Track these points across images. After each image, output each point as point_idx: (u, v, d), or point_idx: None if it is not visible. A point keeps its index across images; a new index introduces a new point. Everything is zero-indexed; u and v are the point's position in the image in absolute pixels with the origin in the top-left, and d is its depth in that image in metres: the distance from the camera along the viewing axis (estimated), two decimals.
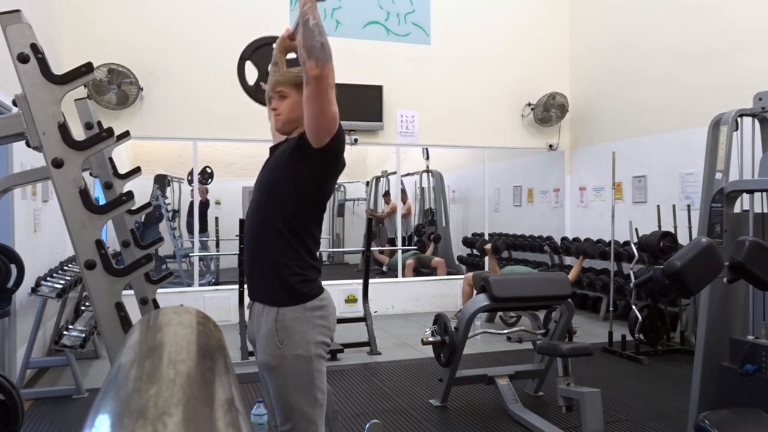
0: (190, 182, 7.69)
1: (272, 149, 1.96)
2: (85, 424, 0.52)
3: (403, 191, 9.18)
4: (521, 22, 7.38)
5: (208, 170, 8.28)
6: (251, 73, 2.51)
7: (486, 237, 7.52)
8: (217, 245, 8.64)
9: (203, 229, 8.23)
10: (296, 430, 1.74)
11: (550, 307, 4.13)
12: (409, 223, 9.32)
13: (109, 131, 1.88)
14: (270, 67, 2.17)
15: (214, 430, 0.49)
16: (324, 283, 1.88)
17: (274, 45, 2.17)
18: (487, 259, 6.02)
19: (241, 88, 2.52)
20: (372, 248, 5.45)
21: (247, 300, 5.03)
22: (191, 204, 7.67)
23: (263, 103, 2.37)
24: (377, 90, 6.72)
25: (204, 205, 8.41)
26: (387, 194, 9.31)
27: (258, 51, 2.47)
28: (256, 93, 2.48)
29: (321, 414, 1.78)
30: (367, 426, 3.00)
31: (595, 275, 6.40)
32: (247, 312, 2.00)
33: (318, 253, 1.87)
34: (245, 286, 5.04)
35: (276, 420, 1.82)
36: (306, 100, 1.67)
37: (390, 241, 9.25)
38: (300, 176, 1.76)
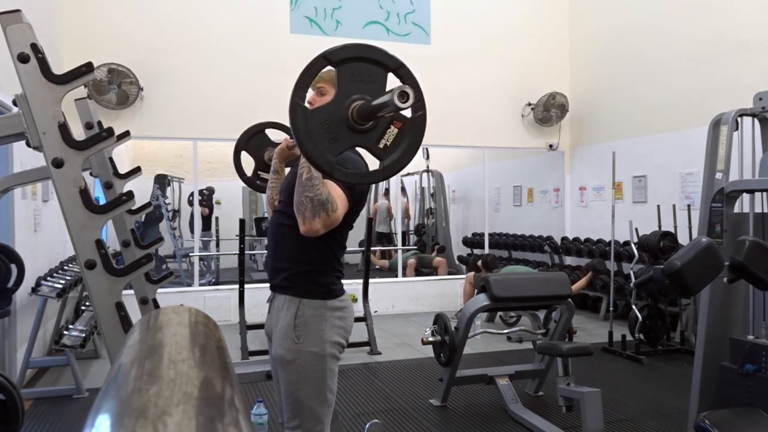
0: (191, 203, 7.76)
1: None
2: (85, 424, 0.52)
3: (403, 189, 9.21)
4: (521, 22, 7.38)
5: (206, 192, 8.31)
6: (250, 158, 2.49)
7: (486, 238, 7.52)
8: (218, 245, 8.64)
9: (206, 227, 8.24)
10: (303, 427, 1.75)
11: (550, 306, 4.13)
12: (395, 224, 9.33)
13: (110, 131, 1.88)
14: (271, 174, 2.16)
15: (214, 430, 0.49)
16: None
17: (274, 155, 2.14)
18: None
19: (238, 176, 2.52)
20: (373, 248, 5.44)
21: (248, 299, 5.05)
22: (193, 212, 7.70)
23: (263, 191, 2.37)
24: None
25: (208, 218, 8.46)
26: (387, 193, 9.34)
27: (252, 140, 2.46)
28: (254, 183, 2.49)
29: (328, 414, 1.79)
30: (367, 426, 3.00)
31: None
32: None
33: (342, 257, 1.90)
34: (245, 285, 5.06)
35: (282, 416, 1.82)
36: None
37: (384, 239, 9.21)
38: None
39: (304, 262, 1.80)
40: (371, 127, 1.44)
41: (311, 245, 1.79)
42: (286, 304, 1.79)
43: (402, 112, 1.45)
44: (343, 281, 1.91)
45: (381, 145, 1.46)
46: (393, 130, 1.46)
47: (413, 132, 1.47)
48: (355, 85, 1.42)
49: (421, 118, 1.47)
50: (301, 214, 1.65)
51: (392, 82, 1.39)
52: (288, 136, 2.13)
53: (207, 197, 8.38)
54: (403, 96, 1.27)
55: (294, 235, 1.80)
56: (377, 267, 8.16)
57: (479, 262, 5.97)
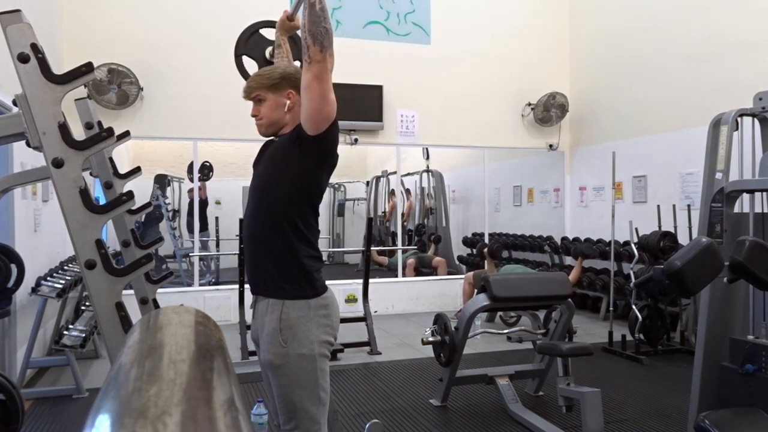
0: (190, 178, 7.68)
1: (263, 147, 1.97)
2: (85, 424, 0.52)
3: (408, 191, 9.23)
4: (521, 22, 7.38)
5: (207, 164, 8.25)
6: (251, 66, 2.49)
7: (486, 238, 7.53)
8: (217, 245, 8.64)
9: (203, 228, 8.22)
10: (299, 429, 1.74)
11: (550, 306, 4.13)
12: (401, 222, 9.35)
13: (109, 131, 1.88)
14: (273, 50, 2.17)
15: (214, 430, 0.49)
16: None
17: (275, 27, 2.18)
18: (486, 262, 6.04)
19: (243, 79, 2.51)
20: (372, 248, 5.44)
21: (248, 300, 5.04)
22: (191, 203, 7.68)
23: None
24: (377, 90, 6.72)
25: (203, 204, 8.41)
26: (393, 193, 9.37)
27: (249, 42, 2.47)
28: None
29: (324, 413, 1.79)
30: (367, 426, 3.00)
31: (595, 275, 6.40)
32: (249, 312, 1.99)
33: (317, 243, 1.87)
34: (245, 285, 5.05)
35: (278, 419, 1.82)
36: (307, 84, 1.67)
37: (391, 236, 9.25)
38: (295, 169, 1.77)
39: (282, 258, 1.77)
40: None
41: (285, 239, 1.77)
42: (270, 308, 1.77)
43: None
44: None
45: None
46: None
47: None
48: None
49: None
50: (320, 42, 1.62)
51: None
52: (287, 9, 2.12)
53: (208, 168, 8.26)
54: None
55: (267, 234, 1.79)
56: (377, 265, 8.16)
57: (485, 250, 5.99)
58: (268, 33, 2.46)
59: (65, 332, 4.08)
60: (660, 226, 5.33)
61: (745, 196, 2.92)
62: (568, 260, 7.22)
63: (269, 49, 2.29)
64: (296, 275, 1.77)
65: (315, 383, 1.75)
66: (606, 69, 6.95)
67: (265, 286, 1.81)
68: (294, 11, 2.04)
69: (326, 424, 1.81)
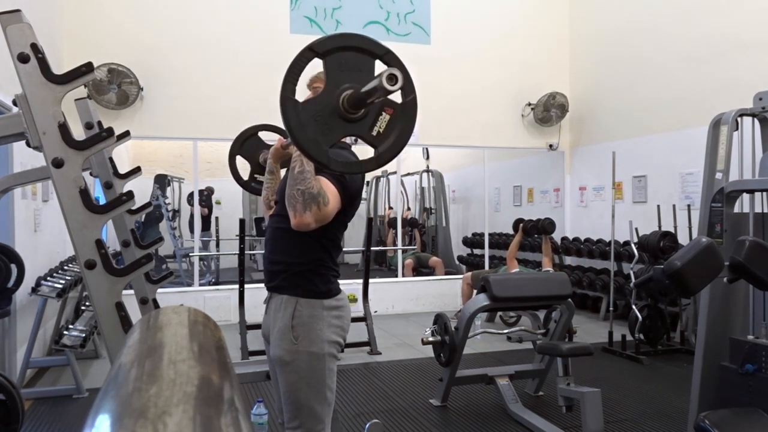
0: (190, 203, 7.82)
1: None
2: (85, 424, 0.52)
3: (408, 208, 9.35)
4: (521, 22, 7.38)
5: (205, 192, 8.34)
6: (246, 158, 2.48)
7: (486, 239, 7.53)
8: (218, 245, 8.64)
9: (206, 227, 8.26)
10: (304, 427, 1.75)
11: (550, 306, 4.13)
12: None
13: (110, 131, 1.88)
14: (266, 175, 2.15)
15: (214, 430, 0.49)
16: None
17: (269, 155, 2.13)
18: (517, 236, 6.00)
19: (235, 180, 2.52)
20: (374, 248, 5.44)
21: (248, 299, 5.05)
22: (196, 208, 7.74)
23: (260, 194, 2.35)
24: None
25: (210, 209, 8.49)
26: (391, 208, 9.48)
27: (246, 144, 2.46)
28: (251, 186, 2.49)
29: (329, 413, 1.80)
30: (367, 426, 3.00)
31: (595, 275, 6.40)
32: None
33: (337, 258, 1.89)
34: (245, 285, 5.06)
35: (282, 417, 1.83)
36: None
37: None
38: None
39: (300, 263, 1.80)
40: (363, 116, 1.43)
41: (307, 247, 1.79)
42: (284, 305, 1.79)
43: (392, 98, 1.45)
44: (344, 281, 1.91)
45: (374, 133, 1.46)
46: (385, 117, 1.46)
47: (405, 117, 1.47)
48: (343, 75, 1.41)
49: (412, 103, 1.47)
50: (292, 206, 1.63)
51: (380, 69, 1.38)
52: (282, 136, 2.12)
53: (206, 197, 8.39)
54: (392, 78, 1.27)
55: (290, 238, 1.80)
56: (376, 265, 8.17)
57: (521, 224, 5.98)
58: (265, 135, 2.47)
59: (65, 332, 4.08)
60: (660, 226, 5.33)
61: (745, 196, 2.92)
62: (568, 260, 7.22)
63: (263, 154, 2.29)
64: (312, 277, 1.79)
65: (322, 382, 1.76)
66: (606, 69, 6.95)
67: (280, 284, 1.83)
68: (288, 144, 2.01)
69: (330, 424, 1.82)
